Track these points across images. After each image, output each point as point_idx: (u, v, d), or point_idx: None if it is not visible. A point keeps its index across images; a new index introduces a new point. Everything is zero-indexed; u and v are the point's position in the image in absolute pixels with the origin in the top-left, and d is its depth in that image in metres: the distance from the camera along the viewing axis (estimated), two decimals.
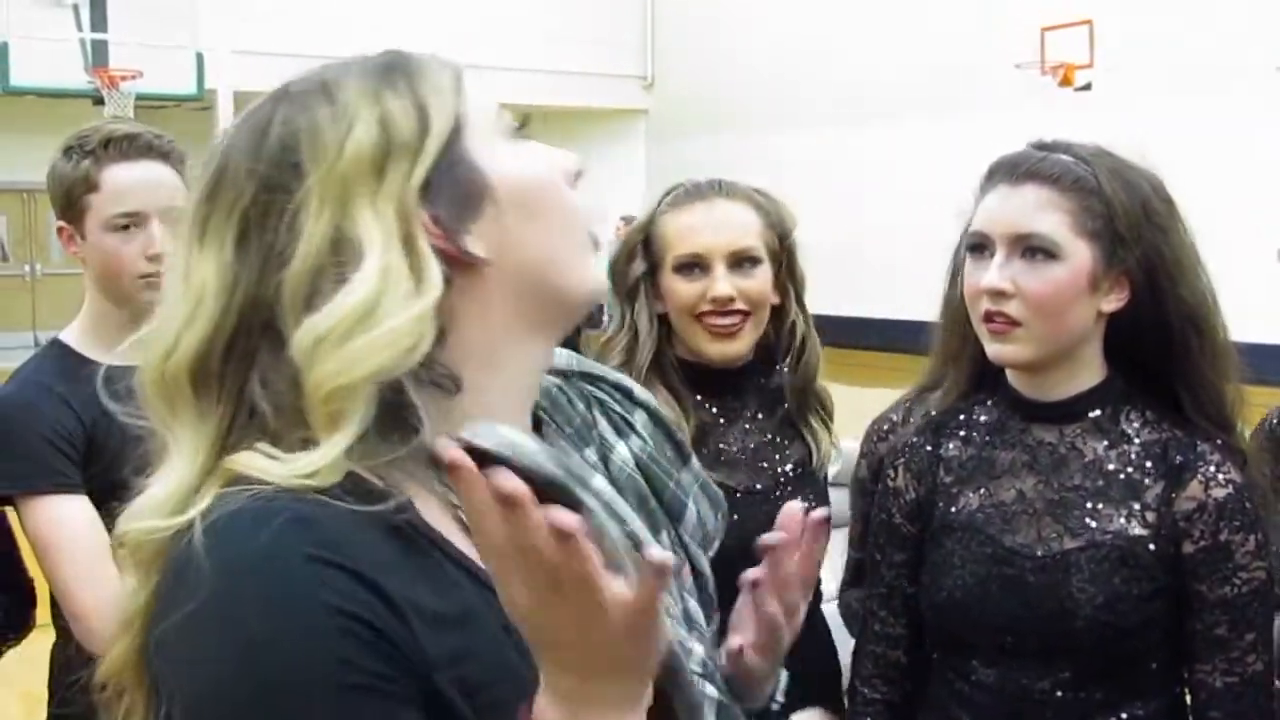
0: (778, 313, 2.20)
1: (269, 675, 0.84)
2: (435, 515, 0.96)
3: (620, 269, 2.21)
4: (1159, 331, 1.80)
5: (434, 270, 0.95)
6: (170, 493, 0.93)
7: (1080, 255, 1.75)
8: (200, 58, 14.15)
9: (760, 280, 2.13)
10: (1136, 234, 1.77)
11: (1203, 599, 1.75)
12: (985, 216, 1.81)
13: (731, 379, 2.19)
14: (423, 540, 0.94)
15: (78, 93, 14.44)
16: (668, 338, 2.18)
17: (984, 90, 15.32)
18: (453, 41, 16.07)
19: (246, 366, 0.95)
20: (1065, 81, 14.18)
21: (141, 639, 0.92)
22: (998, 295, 1.77)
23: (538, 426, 1.11)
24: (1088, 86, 14.19)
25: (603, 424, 1.19)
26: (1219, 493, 1.75)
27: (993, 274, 1.77)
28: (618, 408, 1.21)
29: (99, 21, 14.88)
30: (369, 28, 18.02)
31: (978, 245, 1.81)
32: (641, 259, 2.18)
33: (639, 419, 1.21)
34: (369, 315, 0.91)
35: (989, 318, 1.79)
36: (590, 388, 1.20)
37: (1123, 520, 1.77)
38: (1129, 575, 1.75)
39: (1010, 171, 1.81)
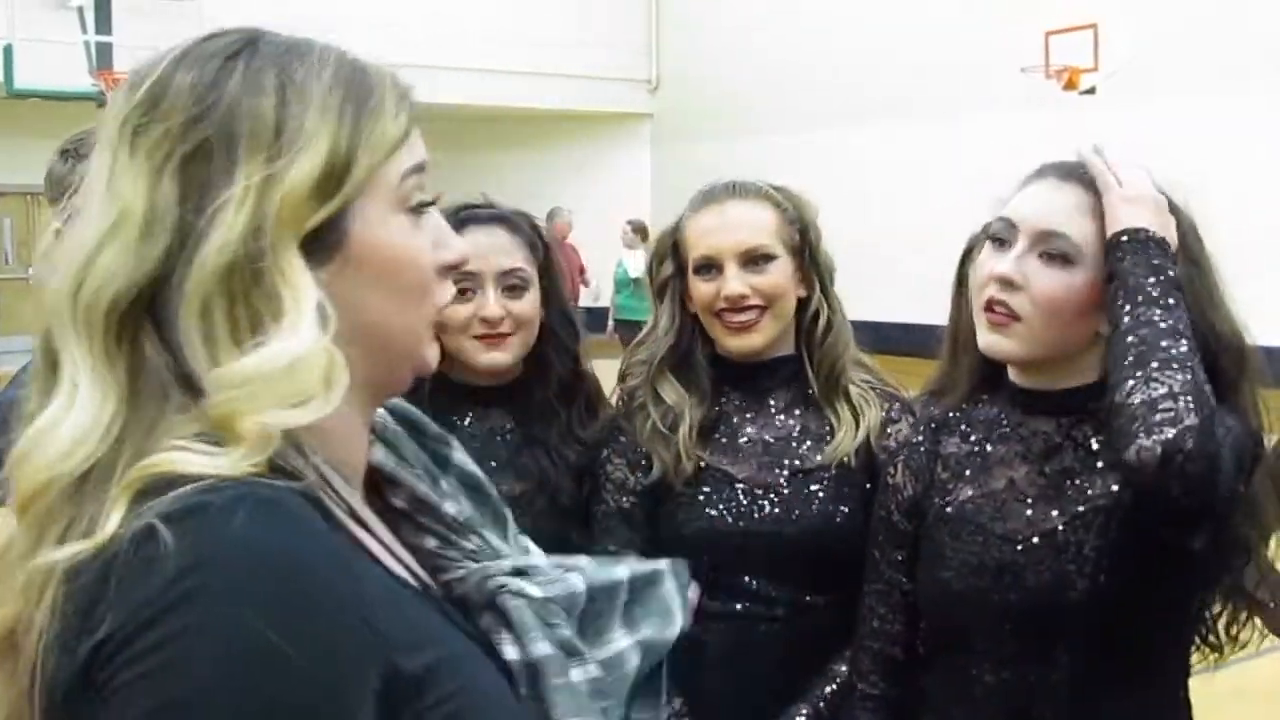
0: (805, 304, 2.24)
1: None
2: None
3: (653, 271, 2.33)
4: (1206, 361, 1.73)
5: (342, 343, 0.95)
6: (75, 441, 0.90)
7: (1097, 271, 1.75)
8: None
9: (774, 276, 2.19)
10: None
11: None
12: (1019, 204, 1.82)
13: (761, 372, 2.25)
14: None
15: (82, 95, 14.45)
16: (702, 335, 2.26)
17: (988, 94, 15.32)
18: (457, 45, 16.08)
19: (144, 320, 0.94)
20: (1070, 85, 14.16)
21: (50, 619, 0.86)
22: (1006, 284, 1.77)
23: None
24: (1092, 90, 14.18)
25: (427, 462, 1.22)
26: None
27: (1008, 262, 1.77)
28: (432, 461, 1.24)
29: (103, 24, 14.90)
30: (374, 35, 18.07)
31: (1000, 237, 1.81)
32: (670, 261, 2.28)
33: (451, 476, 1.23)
34: (293, 372, 0.91)
35: (990, 307, 1.79)
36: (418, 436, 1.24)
37: (1111, 491, 1.77)
38: (1120, 542, 1.75)
39: (1060, 170, 1.82)
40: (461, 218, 2.28)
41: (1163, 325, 1.63)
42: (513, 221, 2.31)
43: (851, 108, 17.35)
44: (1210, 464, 1.56)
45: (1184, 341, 1.62)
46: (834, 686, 2.12)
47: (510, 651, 1.08)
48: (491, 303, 2.22)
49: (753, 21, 18.54)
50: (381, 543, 1.03)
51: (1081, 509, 1.77)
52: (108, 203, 0.96)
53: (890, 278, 14.24)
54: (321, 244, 0.98)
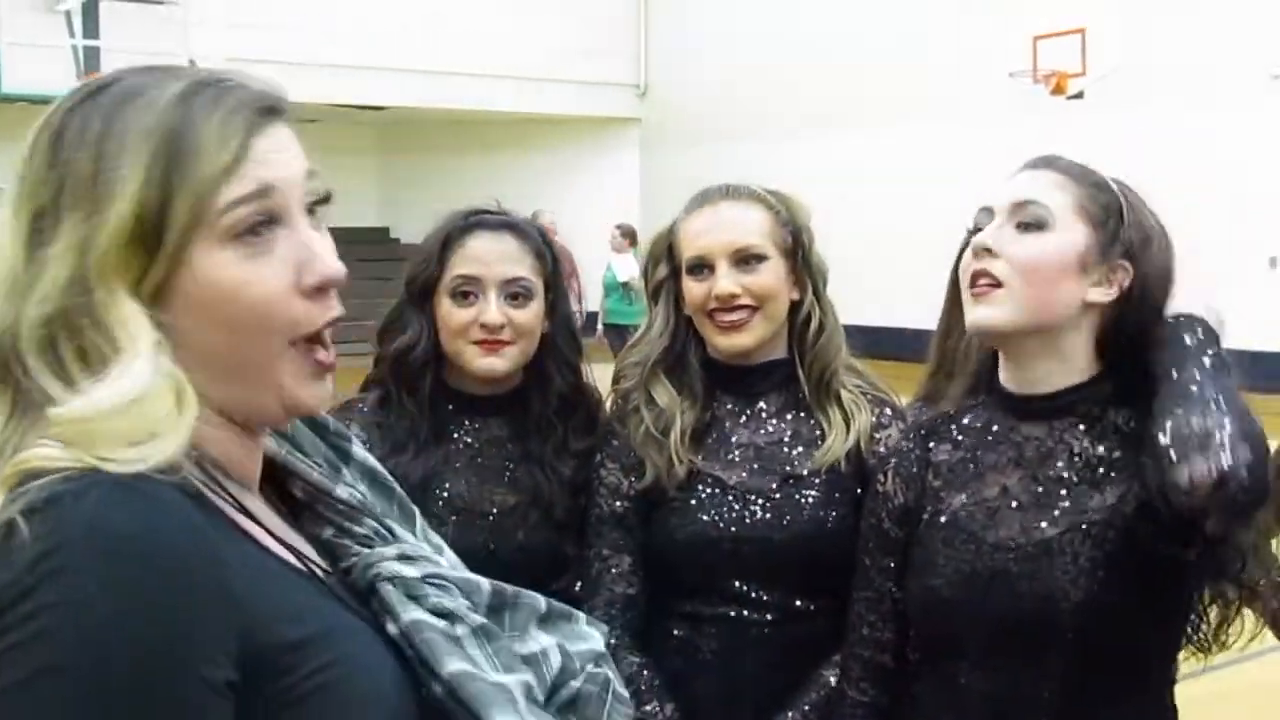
0: (798, 308, 2.24)
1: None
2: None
3: (648, 273, 2.32)
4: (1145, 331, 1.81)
5: (184, 385, 1.00)
6: None
7: (1074, 233, 1.79)
8: (192, 65, 14.12)
9: (765, 276, 2.19)
10: (1152, 243, 1.81)
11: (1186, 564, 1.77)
12: (996, 191, 1.86)
13: (752, 375, 2.25)
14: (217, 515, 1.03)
15: None
16: (695, 337, 2.26)
17: (976, 99, 15.34)
18: (445, 50, 16.02)
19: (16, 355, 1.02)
20: (1058, 90, 14.18)
21: None
22: (985, 254, 1.80)
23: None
24: (1080, 95, 14.20)
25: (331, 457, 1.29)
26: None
27: (985, 232, 1.81)
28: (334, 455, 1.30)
29: (91, 28, 14.86)
30: (358, 37, 18.08)
31: (980, 225, 1.85)
32: (665, 263, 2.28)
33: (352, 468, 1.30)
34: (133, 410, 0.97)
35: (974, 281, 1.81)
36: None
37: (1106, 500, 1.78)
38: (1112, 551, 1.75)
39: (1032, 162, 1.88)
40: (470, 222, 2.28)
41: (1218, 373, 1.68)
42: (521, 229, 2.30)
43: (840, 113, 17.37)
44: (1260, 498, 1.61)
45: (1237, 393, 1.66)
46: (821, 693, 2.12)
47: (391, 629, 1.13)
48: (493, 309, 2.21)
49: (741, 28, 18.56)
50: (270, 531, 1.09)
51: (1076, 520, 1.77)
52: (3, 259, 1.04)
53: (878, 283, 14.25)
54: (155, 286, 1.02)
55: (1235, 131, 13.45)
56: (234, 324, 1.05)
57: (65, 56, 14.60)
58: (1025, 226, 1.80)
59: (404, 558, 1.19)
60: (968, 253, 1.84)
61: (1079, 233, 1.79)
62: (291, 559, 1.09)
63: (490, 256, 2.24)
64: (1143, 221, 1.83)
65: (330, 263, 1.09)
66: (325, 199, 1.12)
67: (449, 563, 1.27)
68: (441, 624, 1.14)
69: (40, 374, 1.00)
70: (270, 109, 1.09)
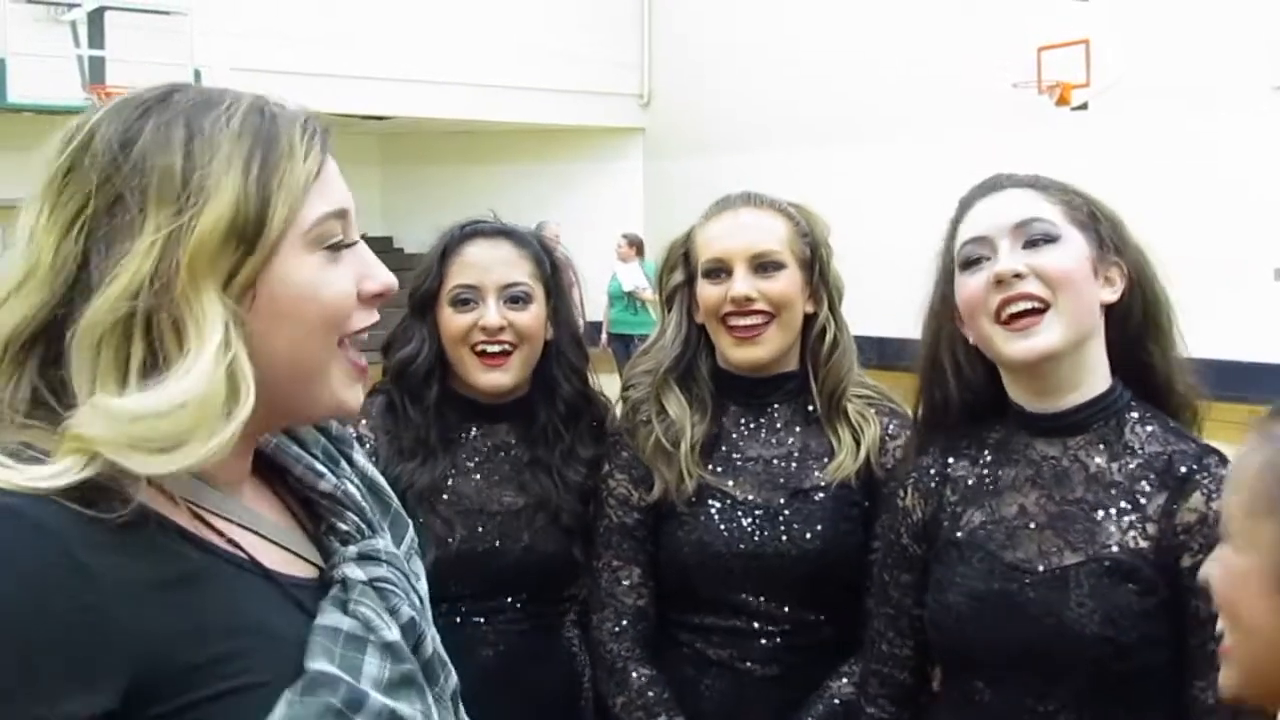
0: (812, 321, 2.23)
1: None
2: (169, 507, 1.06)
3: (663, 279, 2.32)
4: (1154, 334, 1.84)
5: (249, 383, 1.04)
6: None
7: (1077, 240, 1.79)
8: (198, 75, 14.12)
9: (783, 284, 2.18)
10: (1125, 234, 1.83)
11: (1197, 613, 1.72)
12: (976, 222, 1.82)
13: (763, 387, 2.24)
14: (151, 525, 1.03)
15: (75, 109, 14.23)
16: (707, 347, 2.25)
17: (981, 110, 15.33)
18: (449, 60, 16.03)
19: (34, 352, 1.05)
20: (1062, 101, 14.19)
21: None
22: (1015, 279, 1.75)
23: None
24: (1084, 106, 14.21)
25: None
26: (1220, 505, 1.74)
27: (1004, 260, 1.77)
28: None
29: (96, 38, 14.87)
30: (362, 47, 18.09)
31: (973, 257, 1.81)
32: (680, 270, 2.27)
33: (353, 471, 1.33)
34: (180, 413, 1.01)
35: (1008, 309, 1.76)
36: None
37: (1124, 533, 1.76)
38: (1130, 590, 1.74)
39: (989, 186, 1.86)
40: (467, 231, 2.29)
41: None
42: (518, 236, 2.32)
43: (844, 124, 17.36)
44: None
45: None
46: (829, 704, 2.11)
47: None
48: (492, 312, 2.22)
49: (744, 38, 18.56)
50: (231, 540, 1.11)
51: (1094, 553, 1.75)
52: (24, 257, 1.06)
53: (884, 293, 14.25)
54: (245, 282, 1.07)
55: (1238, 142, 13.43)
56: (309, 322, 1.12)
57: (70, 67, 14.62)
58: (1035, 243, 1.77)
59: (363, 557, 1.20)
60: (979, 285, 1.79)
61: (1080, 239, 1.79)
62: (244, 558, 1.11)
63: (487, 263, 2.25)
64: (1109, 213, 1.84)
65: (386, 275, 1.19)
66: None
67: (420, 592, 1.28)
68: (347, 625, 1.13)
69: (86, 370, 1.02)
70: (328, 129, 1.18)
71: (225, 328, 1.04)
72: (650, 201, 20.05)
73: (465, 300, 2.24)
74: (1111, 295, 1.81)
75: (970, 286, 1.80)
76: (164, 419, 1.00)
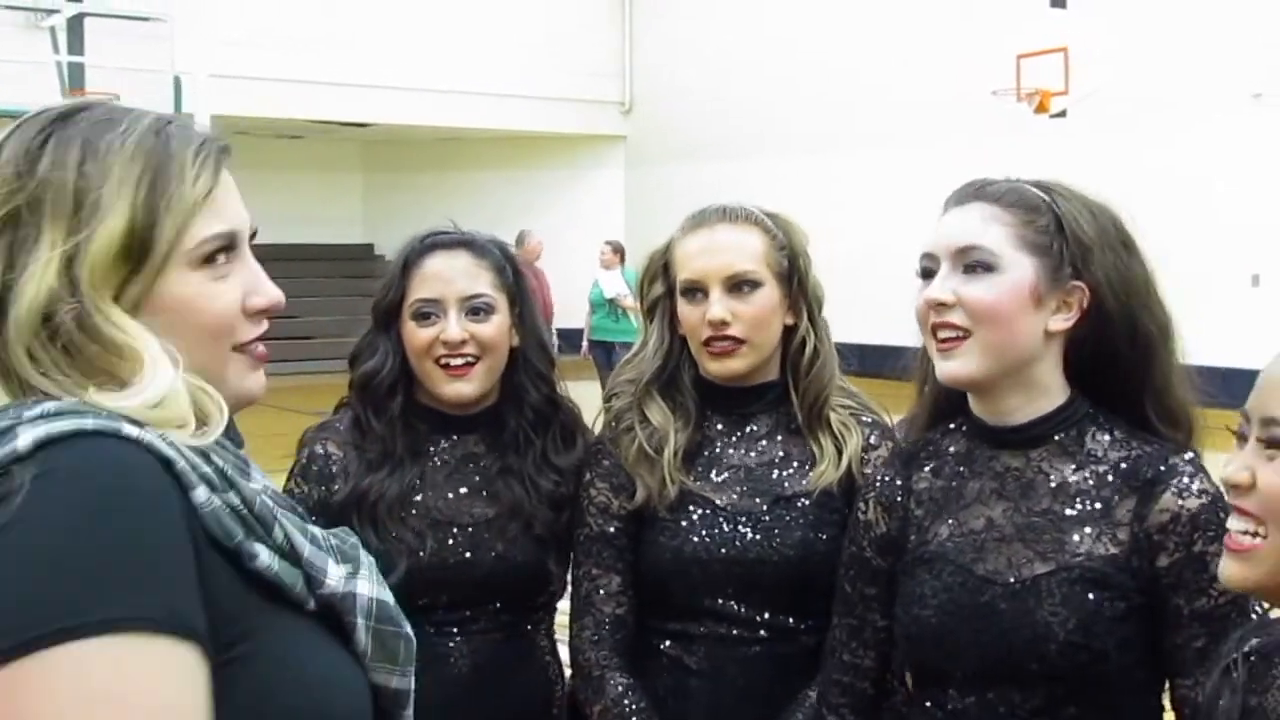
0: (792, 332, 2.23)
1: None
2: None
3: (644, 290, 2.32)
4: (1129, 349, 1.82)
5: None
6: None
7: (1021, 268, 1.78)
8: (178, 81, 14.09)
9: (758, 304, 2.17)
10: (1094, 252, 1.80)
11: (1179, 612, 1.75)
12: (932, 237, 1.85)
13: (745, 397, 2.24)
14: None
15: None
16: (689, 356, 2.25)
17: (960, 117, 15.40)
18: (430, 67, 16.01)
19: None
20: (1041, 108, 14.24)
21: None
22: (940, 307, 1.79)
23: None
24: (1063, 113, 14.26)
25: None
26: (1192, 504, 1.76)
27: (935, 286, 1.80)
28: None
29: (76, 44, 14.84)
30: (343, 54, 18.07)
31: (926, 269, 1.84)
32: (661, 281, 2.27)
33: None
34: (163, 407, 1.13)
35: (936, 333, 1.81)
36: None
37: (1093, 541, 1.77)
38: (1102, 597, 1.75)
39: (959, 196, 1.86)
40: (426, 244, 2.29)
41: None
42: (478, 245, 2.30)
43: (825, 132, 17.41)
44: None
45: None
46: (808, 712, 2.11)
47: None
48: (453, 326, 2.21)
49: (726, 46, 18.60)
50: None
51: (1064, 561, 1.77)
52: None
53: (862, 300, 14.27)
54: (136, 297, 1.16)
55: (1217, 149, 13.51)
56: (195, 334, 1.21)
57: (50, 72, 14.57)
58: (972, 269, 1.78)
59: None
60: (922, 303, 1.82)
61: (1026, 267, 1.78)
62: None
63: (448, 275, 2.24)
64: (1080, 232, 1.80)
65: (272, 291, 1.28)
66: (254, 234, 1.30)
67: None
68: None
69: (25, 374, 1.12)
70: (226, 148, 1.26)
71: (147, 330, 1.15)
72: (631, 209, 20.06)
73: (426, 314, 2.23)
74: (1063, 322, 1.80)
75: (919, 299, 1.84)
76: (164, 408, 1.11)
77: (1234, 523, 1.47)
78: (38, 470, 1.03)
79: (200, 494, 1.10)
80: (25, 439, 1.04)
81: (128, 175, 1.16)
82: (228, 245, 1.23)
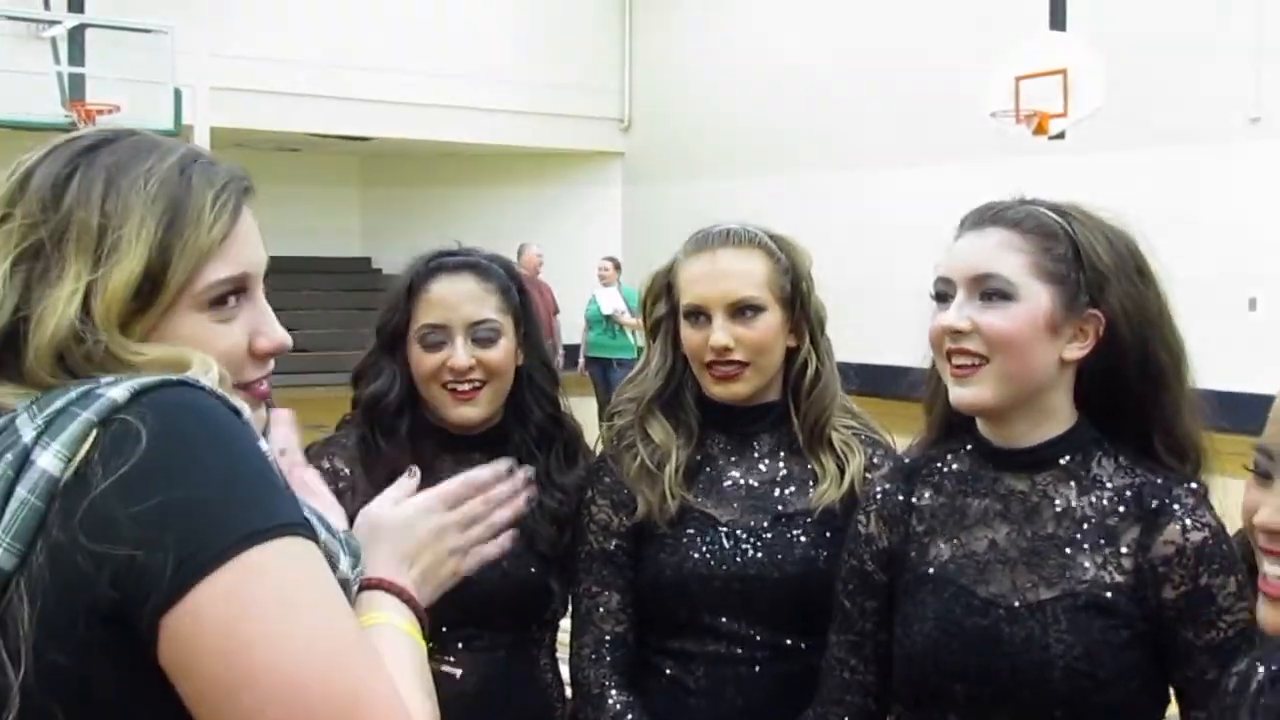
0: (794, 354, 2.23)
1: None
2: None
3: (647, 309, 2.32)
4: (1140, 379, 1.81)
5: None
6: None
7: (1038, 297, 1.77)
8: (178, 93, 14.10)
9: (761, 329, 2.18)
10: (1111, 281, 1.79)
11: (1190, 646, 1.74)
12: (948, 261, 1.84)
13: (747, 416, 2.24)
14: None
15: (54, 126, 14.31)
16: (691, 376, 2.25)
17: (958, 138, 15.41)
18: (429, 83, 16.02)
19: None
20: (1040, 130, 14.24)
21: None
22: (956, 334, 1.78)
23: None
24: (1062, 135, 14.28)
25: None
26: (1196, 536, 1.75)
27: (951, 313, 1.79)
28: None
29: (76, 55, 14.83)
30: (343, 68, 18.09)
31: (941, 293, 1.84)
32: (664, 301, 2.27)
33: None
34: None
35: (950, 359, 1.80)
36: None
37: (1098, 568, 1.76)
38: (1106, 624, 1.74)
39: (977, 219, 1.85)
40: (431, 267, 2.28)
41: None
42: (484, 268, 2.29)
43: (823, 151, 17.44)
44: None
45: None
46: None
47: None
48: (460, 352, 2.21)
49: (725, 64, 18.63)
50: None
51: (1069, 587, 1.76)
52: None
53: (862, 320, 14.27)
54: (139, 333, 1.20)
55: (1214, 173, 13.54)
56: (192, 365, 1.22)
57: (50, 83, 14.58)
58: (988, 298, 1.78)
59: None
60: (937, 327, 1.82)
61: (1043, 296, 1.77)
62: None
63: (453, 300, 2.24)
64: (1098, 260, 1.80)
65: (279, 333, 1.31)
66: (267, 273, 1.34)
67: None
68: None
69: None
70: (249, 189, 1.29)
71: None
72: (629, 225, 20.07)
73: (434, 341, 2.23)
74: (1078, 350, 1.80)
75: (932, 325, 1.84)
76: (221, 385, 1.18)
77: (1271, 566, 1.36)
78: (151, 410, 1.10)
79: (263, 444, 1.18)
80: (118, 390, 1.11)
81: (149, 215, 1.19)
82: (238, 289, 1.26)
